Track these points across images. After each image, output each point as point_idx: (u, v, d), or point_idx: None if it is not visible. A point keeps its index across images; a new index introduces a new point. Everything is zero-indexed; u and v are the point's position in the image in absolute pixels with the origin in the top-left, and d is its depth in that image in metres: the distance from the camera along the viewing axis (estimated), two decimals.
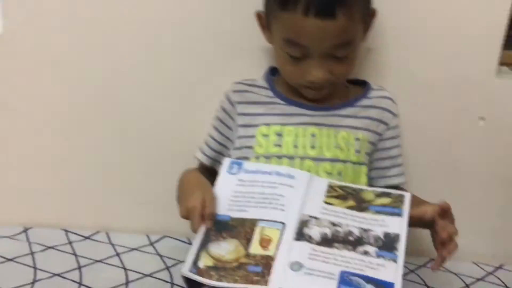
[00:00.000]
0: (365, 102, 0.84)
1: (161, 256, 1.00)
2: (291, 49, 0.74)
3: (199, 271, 0.67)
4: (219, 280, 0.66)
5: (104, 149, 1.04)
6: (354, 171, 0.81)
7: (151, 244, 1.05)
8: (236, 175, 0.77)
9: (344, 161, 0.80)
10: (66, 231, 1.06)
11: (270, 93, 0.84)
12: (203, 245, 0.70)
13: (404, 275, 0.99)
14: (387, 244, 0.66)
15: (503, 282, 1.02)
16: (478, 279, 1.03)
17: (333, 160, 0.80)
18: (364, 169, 0.83)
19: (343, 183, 0.76)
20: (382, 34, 0.90)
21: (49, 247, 0.99)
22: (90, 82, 0.99)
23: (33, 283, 0.88)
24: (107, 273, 0.94)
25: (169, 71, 0.98)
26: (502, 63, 0.96)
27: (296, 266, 0.66)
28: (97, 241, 1.05)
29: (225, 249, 0.69)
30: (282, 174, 0.76)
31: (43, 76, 0.99)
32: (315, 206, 0.72)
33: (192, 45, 0.95)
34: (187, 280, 0.72)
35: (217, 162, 0.88)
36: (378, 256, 0.65)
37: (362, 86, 0.87)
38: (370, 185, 0.83)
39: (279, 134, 0.81)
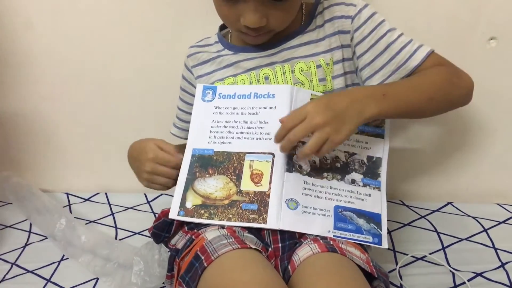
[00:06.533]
0: (315, 21, 0.73)
1: (154, 213, 1.01)
2: None
3: (187, 212, 0.65)
4: (210, 218, 0.64)
5: (100, 112, 1.03)
6: None
7: (148, 202, 1.05)
8: (211, 102, 0.72)
9: None
10: (68, 194, 1.08)
11: (219, 46, 0.77)
12: (188, 185, 0.66)
13: (413, 221, 0.93)
14: (371, 170, 0.68)
15: None
16: (499, 222, 0.91)
17: None
18: None
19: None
20: None
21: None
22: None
23: (24, 247, 0.92)
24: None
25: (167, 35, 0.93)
26: None
27: (293, 204, 0.63)
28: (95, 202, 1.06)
29: (213, 186, 0.66)
30: (261, 94, 0.70)
31: None
32: None
33: None
34: (154, 234, 0.70)
35: None
36: (364, 184, 0.67)
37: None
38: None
39: None
